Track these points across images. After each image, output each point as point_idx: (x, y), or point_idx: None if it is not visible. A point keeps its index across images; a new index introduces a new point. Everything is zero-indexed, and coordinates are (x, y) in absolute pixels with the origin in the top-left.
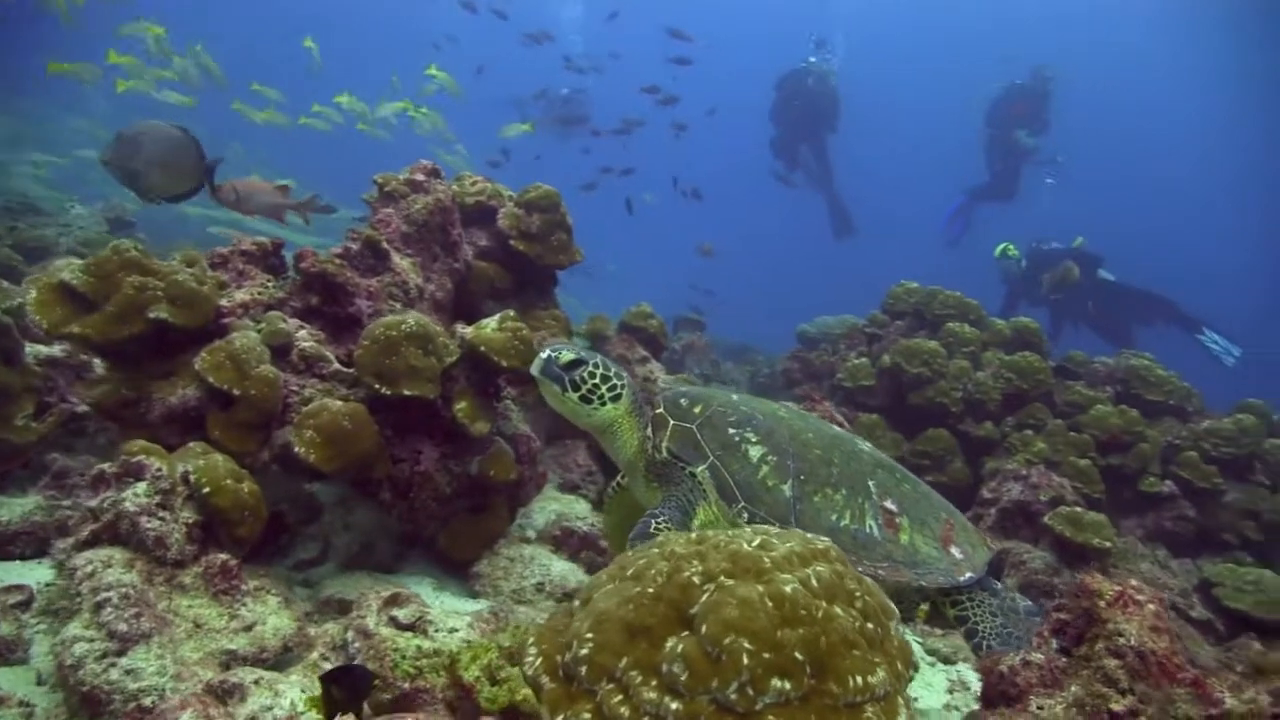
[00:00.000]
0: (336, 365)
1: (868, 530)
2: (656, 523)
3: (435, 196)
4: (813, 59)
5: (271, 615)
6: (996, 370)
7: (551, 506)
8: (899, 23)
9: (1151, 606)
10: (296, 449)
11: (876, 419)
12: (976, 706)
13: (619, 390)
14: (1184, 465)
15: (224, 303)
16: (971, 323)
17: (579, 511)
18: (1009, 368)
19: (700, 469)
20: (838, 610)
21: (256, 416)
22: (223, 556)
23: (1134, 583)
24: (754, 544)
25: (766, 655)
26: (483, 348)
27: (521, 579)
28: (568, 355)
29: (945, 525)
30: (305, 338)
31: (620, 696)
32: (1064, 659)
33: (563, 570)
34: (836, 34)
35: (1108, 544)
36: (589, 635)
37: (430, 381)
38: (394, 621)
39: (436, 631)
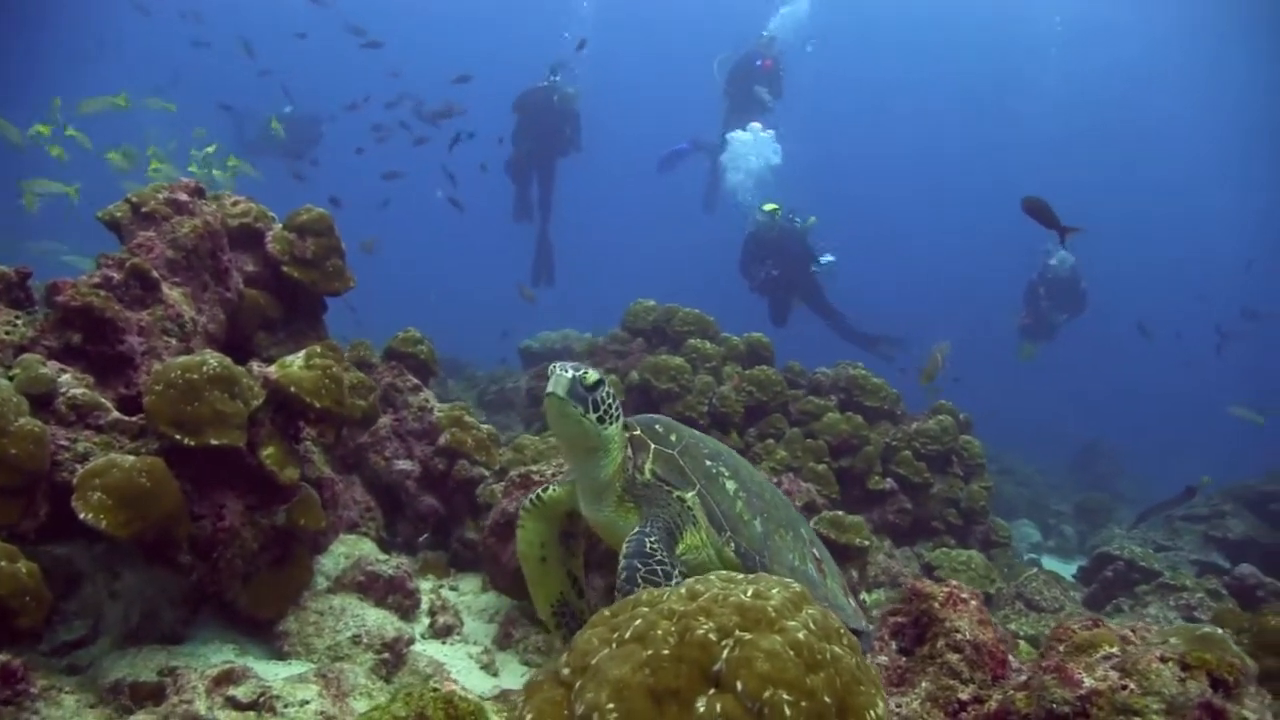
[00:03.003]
0: (116, 414)
1: (809, 571)
2: (650, 543)
3: (203, 219)
4: (555, 78)
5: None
6: (738, 384)
7: (339, 549)
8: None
9: (974, 603)
10: (82, 515)
11: None
12: None
13: (620, 411)
14: (901, 463)
15: None
16: (709, 338)
17: (367, 551)
18: (749, 381)
19: (690, 495)
20: (838, 650)
21: (20, 480)
22: (3, 658)
23: (954, 582)
24: (750, 594)
25: (804, 704)
26: (293, 389)
27: (336, 633)
28: (593, 376)
29: (843, 577)
30: (72, 383)
31: None
32: (905, 659)
33: (378, 619)
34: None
35: (867, 543)
36: (611, 706)
37: (238, 428)
38: (233, 703)
39: (287, 707)
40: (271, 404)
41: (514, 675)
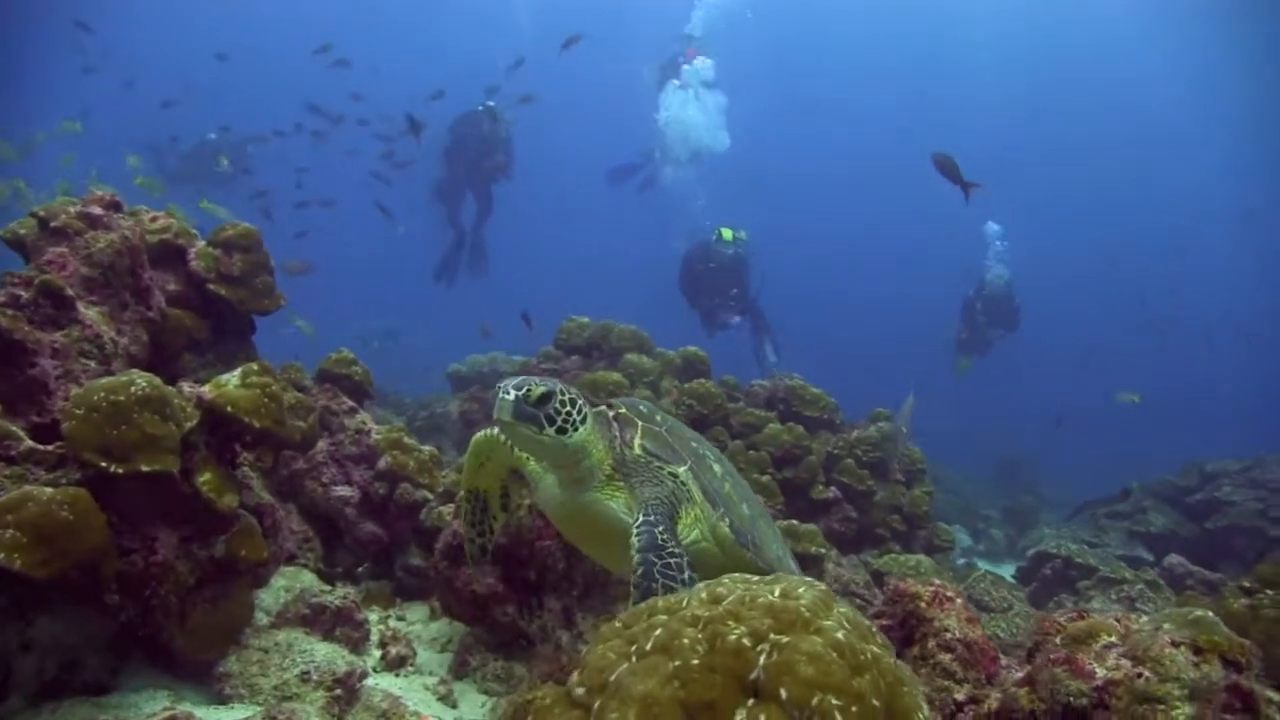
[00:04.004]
0: (30, 443)
1: (791, 565)
2: (660, 534)
3: (121, 234)
4: (491, 103)
5: None
6: (677, 398)
7: (279, 583)
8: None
9: (960, 600)
10: None
11: None
12: None
13: (585, 409)
14: (843, 472)
15: None
16: (646, 353)
17: (309, 583)
18: (689, 395)
19: (682, 470)
20: (876, 649)
21: None
22: None
23: (937, 581)
24: (778, 594)
25: (854, 709)
26: (229, 408)
27: (283, 671)
28: (539, 389)
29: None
30: None
31: None
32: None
33: (327, 654)
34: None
35: (822, 550)
36: None
37: (172, 453)
38: None
39: None
40: (206, 426)
41: (474, 705)
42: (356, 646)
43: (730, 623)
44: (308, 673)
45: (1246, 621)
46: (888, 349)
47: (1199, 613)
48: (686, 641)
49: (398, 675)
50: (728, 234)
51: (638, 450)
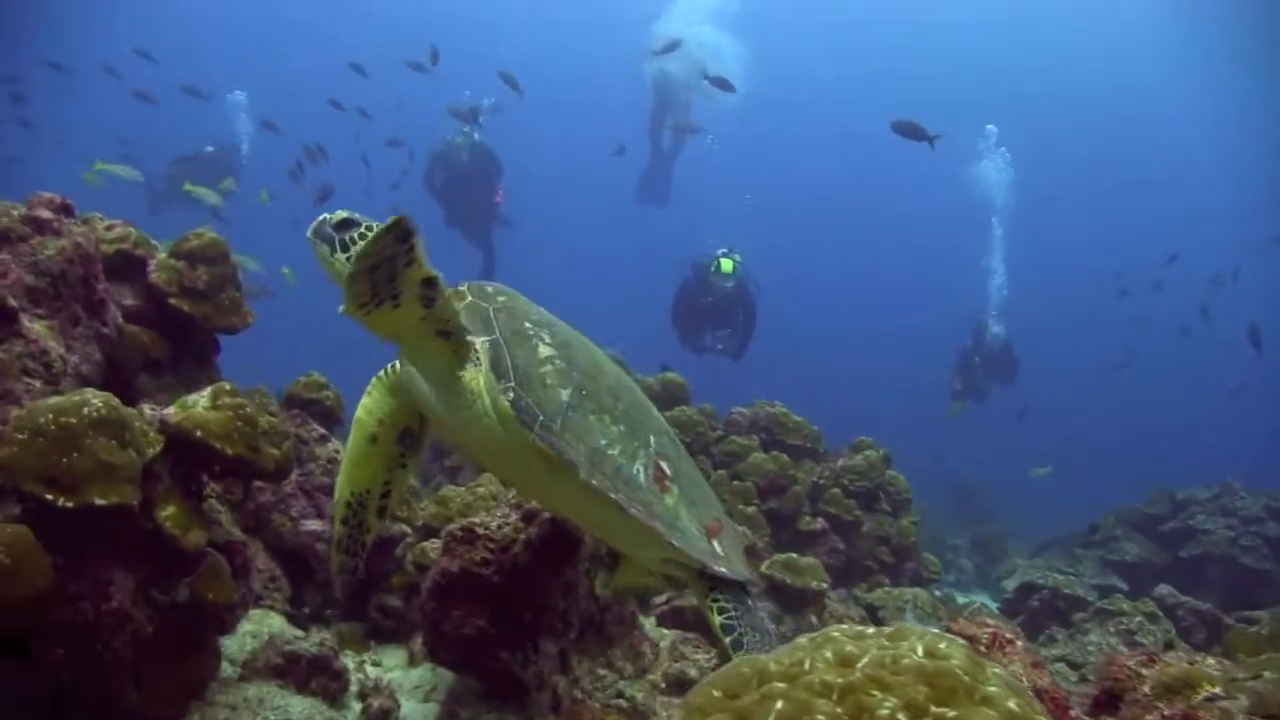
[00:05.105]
0: None
1: (634, 471)
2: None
3: (73, 240)
4: (466, 129)
5: None
6: None
7: (244, 628)
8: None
9: (1021, 643)
10: None
11: None
12: None
13: None
14: (830, 502)
15: None
16: None
17: (278, 627)
18: (673, 423)
19: (481, 340)
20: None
21: None
22: None
23: (991, 621)
24: (922, 652)
25: None
26: (198, 433)
27: None
28: (341, 215)
29: (714, 520)
30: None
31: None
32: None
33: (303, 710)
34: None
35: (824, 585)
36: None
37: (131, 484)
38: None
39: None
40: (171, 453)
41: None
42: (335, 699)
43: (875, 692)
44: None
45: None
46: (859, 378)
47: None
48: (822, 718)
49: None
50: (727, 265)
51: None
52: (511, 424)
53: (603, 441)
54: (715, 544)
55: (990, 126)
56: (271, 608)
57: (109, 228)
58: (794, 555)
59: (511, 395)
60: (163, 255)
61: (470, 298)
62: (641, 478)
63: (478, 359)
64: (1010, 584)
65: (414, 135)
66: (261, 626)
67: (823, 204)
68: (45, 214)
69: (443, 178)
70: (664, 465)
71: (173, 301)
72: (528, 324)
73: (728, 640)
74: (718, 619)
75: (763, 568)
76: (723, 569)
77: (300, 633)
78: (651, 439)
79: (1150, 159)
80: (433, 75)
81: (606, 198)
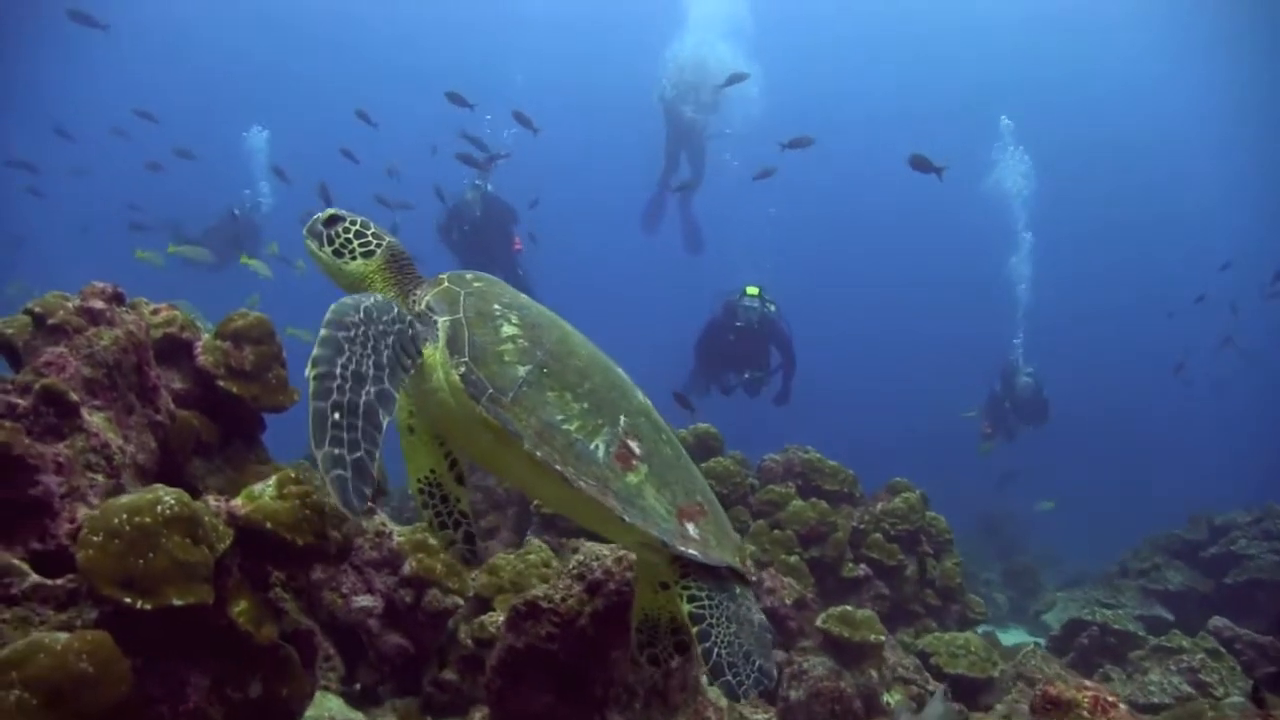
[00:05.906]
0: (35, 577)
1: (591, 447)
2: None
3: (126, 329)
4: (478, 182)
5: None
6: None
7: (306, 713)
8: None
9: (1124, 707)
10: None
11: None
12: None
13: (372, 249)
14: (872, 547)
15: None
16: None
17: (335, 709)
18: (708, 475)
19: (443, 319)
20: None
21: None
22: None
23: (1088, 684)
24: None
25: None
26: (268, 524)
27: None
28: (331, 212)
29: (695, 505)
30: None
31: None
32: None
33: None
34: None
35: (882, 638)
36: None
37: (206, 581)
38: None
39: None
40: (241, 546)
41: None
42: None
43: None
44: None
45: None
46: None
47: None
48: None
49: None
50: (753, 290)
51: (423, 306)
52: (461, 396)
53: (558, 417)
54: (689, 526)
55: (1005, 120)
56: (327, 688)
57: (154, 311)
58: (849, 608)
59: (463, 370)
60: (208, 337)
61: (446, 283)
62: (600, 454)
63: (438, 337)
64: (1052, 618)
65: (445, 175)
66: (321, 710)
67: (843, 216)
68: (98, 304)
69: (459, 234)
70: (633, 444)
71: (221, 384)
72: (496, 306)
73: (695, 630)
74: (686, 606)
75: (818, 623)
76: (691, 550)
77: (357, 713)
78: (623, 419)
79: (1159, 158)
80: (452, 109)
81: (625, 226)
